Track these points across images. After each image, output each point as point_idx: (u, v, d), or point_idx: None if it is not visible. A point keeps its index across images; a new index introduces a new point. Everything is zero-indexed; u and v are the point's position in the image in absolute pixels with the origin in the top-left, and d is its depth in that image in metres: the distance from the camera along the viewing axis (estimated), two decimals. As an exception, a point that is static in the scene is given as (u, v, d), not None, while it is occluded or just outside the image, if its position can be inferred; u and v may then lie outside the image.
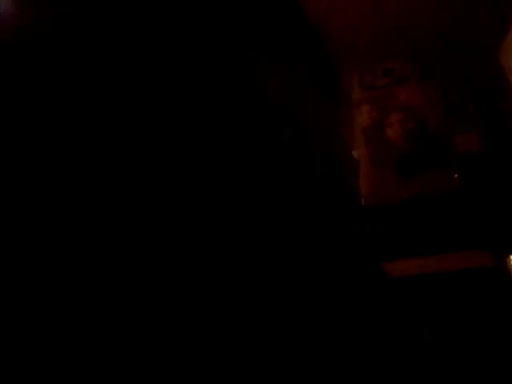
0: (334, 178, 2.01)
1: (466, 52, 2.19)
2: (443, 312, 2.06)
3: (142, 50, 1.56)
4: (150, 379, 1.05)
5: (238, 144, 1.67)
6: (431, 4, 2.14)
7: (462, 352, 1.95)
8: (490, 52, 2.14)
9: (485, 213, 2.05)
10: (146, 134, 1.36)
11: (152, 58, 1.54)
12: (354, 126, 2.50)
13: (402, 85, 2.33)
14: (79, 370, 0.95)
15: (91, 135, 1.19)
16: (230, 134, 1.60)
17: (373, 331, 1.80)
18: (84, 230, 1.12)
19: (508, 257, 1.97)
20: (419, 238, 2.28)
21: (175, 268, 1.25)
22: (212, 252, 1.41)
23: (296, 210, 1.82)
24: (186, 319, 1.17)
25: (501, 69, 2.06)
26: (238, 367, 1.21)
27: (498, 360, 1.88)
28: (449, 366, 1.92)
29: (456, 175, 2.15)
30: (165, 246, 1.27)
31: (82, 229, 1.12)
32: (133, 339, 1.06)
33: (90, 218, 1.14)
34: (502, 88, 2.04)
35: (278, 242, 1.76)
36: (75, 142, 1.16)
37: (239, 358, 1.22)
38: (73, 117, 1.18)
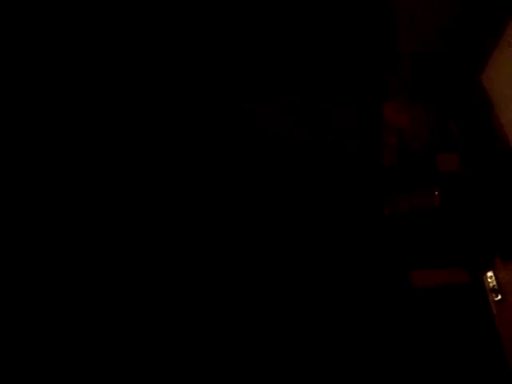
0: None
1: (451, 74, 2.26)
2: (420, 329, 2.11)
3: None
4: (150, 379, 1.14)
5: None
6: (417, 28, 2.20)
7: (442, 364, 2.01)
8: (473, 75, 2.21)
9: (462, 231, 2.13)
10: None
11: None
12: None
13: (387, 102, 2.38)
14: (79, 369, 1.00)
15: (92, 136, 1.37)
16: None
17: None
18: (84, 230, 1.21)
19: (485, 274, 2.05)
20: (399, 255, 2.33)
21: (176, 267, 1.48)
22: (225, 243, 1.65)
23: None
24: (186, 319, 1.34)
25: (483, 91, 2.13)
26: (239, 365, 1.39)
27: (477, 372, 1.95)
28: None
29: (436, 193, 2.22)
30: (165, 245, 1.47)
31: (82, 229, 1.21)
32: (133, 339, 1.14)
33: (90, 218, 1.25)
34: (484, 110, 2.12)
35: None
36: (75, 142, 1.32)
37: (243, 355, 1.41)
38: (73, 117, 1.33)
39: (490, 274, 2.02)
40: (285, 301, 1.84)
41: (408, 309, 2.16)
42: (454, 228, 2.14)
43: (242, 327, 1.71)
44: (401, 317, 2.14)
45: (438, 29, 2.25)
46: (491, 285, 2.01)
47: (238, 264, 1.83)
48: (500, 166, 2.00)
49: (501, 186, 1.98)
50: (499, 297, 1.96)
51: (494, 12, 2.10)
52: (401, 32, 2.34)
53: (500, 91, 2.04)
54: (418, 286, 2.03)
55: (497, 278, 1.99)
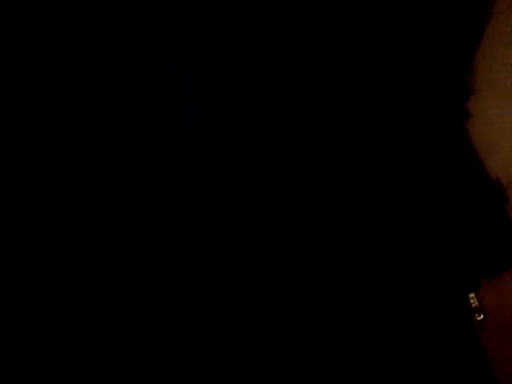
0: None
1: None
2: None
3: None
4: (150, 379, 1.28)
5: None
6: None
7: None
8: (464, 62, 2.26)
9: (445, 253, 2.20)
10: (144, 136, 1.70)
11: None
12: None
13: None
14: (79, 369, 1.24)
15: (91, 135, 1.52)
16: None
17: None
18: (84, 230, 1.44)
19: (467, 295, 2.13)
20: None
21: (178, 266, 1.59)
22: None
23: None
24: (187, 319, 1.46)
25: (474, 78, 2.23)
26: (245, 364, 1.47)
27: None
28: None
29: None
30: (166, 245, 1.59)
31: (82, 229, 1.44)
32: (133, 339, 1.31)
33: (90, 218, 1.47)
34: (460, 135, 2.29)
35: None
36: (75, 142, 1.49)
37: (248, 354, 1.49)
38: (73, 116, 1.50)
39: (471, 294, 2.10)
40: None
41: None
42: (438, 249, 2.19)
43: (246, 327, 1.66)
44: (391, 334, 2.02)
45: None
46: (473, 305, 2.09)
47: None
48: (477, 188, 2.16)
49: (479, 208, 2.14)
50: (481, 316, 2.05)
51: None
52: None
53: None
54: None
55: (478, 298, 2.08)
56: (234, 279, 1.78)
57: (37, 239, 1.34)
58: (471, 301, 2.10)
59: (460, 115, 2.25)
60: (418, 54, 2.14)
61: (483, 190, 2.11)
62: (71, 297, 1.30)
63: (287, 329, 1.77)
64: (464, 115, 2.23)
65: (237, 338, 1.66)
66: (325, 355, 1.85)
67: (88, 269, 1.40)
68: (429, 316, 2.10)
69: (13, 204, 1.38)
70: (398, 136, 2.20)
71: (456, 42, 2.15)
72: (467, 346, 2.05)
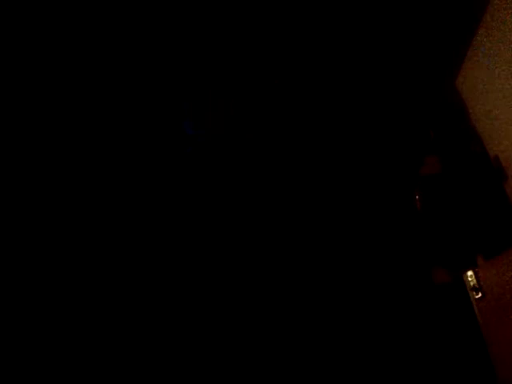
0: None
1: (425, 81, 2.37)
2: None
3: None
4: (150, 379, 1.32)
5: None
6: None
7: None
8: (448, 81, 2.35)
9: (443, 231, 2.21)
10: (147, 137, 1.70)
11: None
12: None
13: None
14: (79, 369, 1.20)
15: (92, 135, 1.57)
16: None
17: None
18: (84, 230, 1.52)
19: (465, 273, 2.14)
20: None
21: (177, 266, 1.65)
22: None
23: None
24: (186, 319, 1.52)
25: (459, 97, 2.28)
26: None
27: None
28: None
29: (417, 196, 2.27)
30: (166, 245, 1.66)
31: (82, 229, 1.52)
32: (133, 339, 1.36)
33: (90, 218, 1.57)
34: (459, 114, 2.27)
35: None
36: (76, 142, 1.55)
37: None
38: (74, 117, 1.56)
39: (470, 273, 2.11)
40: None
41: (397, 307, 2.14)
42: (435, 229, 2.21)
43: (244, 327, 1.62)
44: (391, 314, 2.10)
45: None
46: (471, 283, 2.10)
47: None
48: (476, 166, 2.13)
49: (479, 186, 2.11)
50: (480, 295, 2.06)
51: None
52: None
53: (473, 95, 2.19)
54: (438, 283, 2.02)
55: (477, 277, 2.09)
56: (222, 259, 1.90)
57: (37, 239, 1.41)
58: (469, 279, 2.12)
59: (460, 98, 2.21)
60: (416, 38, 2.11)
61: (482, 169, 2.08)
62: (71, 296, 1.34)
63: (285, 327, 1.84)
64: (463, 96, 2.19)
65: (236, 338, 1.68)
66: (321, 335, 1.93)
67: (87, 268, 1.47)
68: (426, 294, 2.14)
69: (12, 204, 1.44)
70: (394, 113, 2.22)
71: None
72: (464, 323, 2.08)
